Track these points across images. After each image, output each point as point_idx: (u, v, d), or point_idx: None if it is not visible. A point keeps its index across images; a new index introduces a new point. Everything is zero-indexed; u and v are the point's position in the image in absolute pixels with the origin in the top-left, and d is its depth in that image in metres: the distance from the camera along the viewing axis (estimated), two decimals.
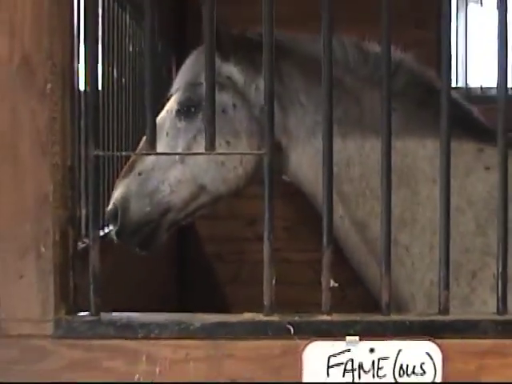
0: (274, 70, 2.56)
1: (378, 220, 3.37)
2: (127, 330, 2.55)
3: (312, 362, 2.52)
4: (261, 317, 2.58)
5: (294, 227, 5.60)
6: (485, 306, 3.15)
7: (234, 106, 3.52)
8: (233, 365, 2.55)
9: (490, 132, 3.40)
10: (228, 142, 3.49)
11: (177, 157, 3.48)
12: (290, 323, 2.54)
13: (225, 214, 6.54)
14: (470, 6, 6.70)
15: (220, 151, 3.26)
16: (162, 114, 3.63)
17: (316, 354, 2.52)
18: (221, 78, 3.49)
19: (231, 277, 6.88)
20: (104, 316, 2.58)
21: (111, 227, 3.66)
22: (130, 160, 3.57)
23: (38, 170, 2.52)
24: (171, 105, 3.61)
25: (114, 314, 2.61)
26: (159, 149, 3.42)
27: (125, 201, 3.49)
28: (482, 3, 6.67)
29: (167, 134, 3.50)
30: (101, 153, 2.54)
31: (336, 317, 2.59)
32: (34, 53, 2.50)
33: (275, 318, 2.57)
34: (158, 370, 2.53)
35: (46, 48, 2.50)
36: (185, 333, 2.55)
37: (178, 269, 6.90)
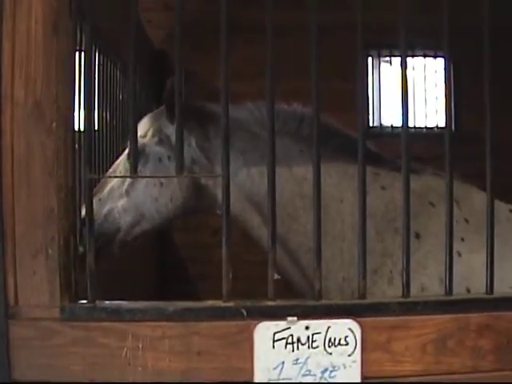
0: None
1: (295, 235, 3.41)
2: (116, 314, 2.55)
3: (261, 338, 2.54)
4: (220, 303, 2.59)
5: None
6: (384, 295, 3.19)
7: (169, 157, 3.45)
8: (199, 340, 2.55)
9: (383, 160, 3.44)
10: (161, 183, 3.45)
11: (124, 190, 3.43)
12: (243, 307, 2.56)
13: (194, 226, 6.55)
14: (382, 64, 6.80)
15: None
16: (121, 157, 3.61)
17: (264, 331, 2.54)
18: (162, 135, 3.50)
19: (200, 275, 6.86)
20: (98, 303, 2.58)
21: None
22: (97, 186, 3.53)
23: (46, 189, 2.52)
24: (126, 151, 3.58)
25: (106, 302, 2.60)
26: (111, 183, 3.44)
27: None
28: (391, 63, 6.77)
29: (120, 172, 3.50)
30: (94, 176, 2.53)
31: (279, 302, 2.60)
32: (43, 98, 2.50)
33: (231, 303, 2.58)
34: (141, 345, 2.53)
35: (53, 94, 2.50)
36: (161, 316, 2.55)
37: (159, 269, 6.88)
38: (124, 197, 3.44)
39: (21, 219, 2.53)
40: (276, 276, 2.61)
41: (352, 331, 2.56)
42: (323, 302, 2.63)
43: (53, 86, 2.50)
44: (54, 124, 2.49)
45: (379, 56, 6.69)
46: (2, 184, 2.52)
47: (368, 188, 3.35)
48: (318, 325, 2.55)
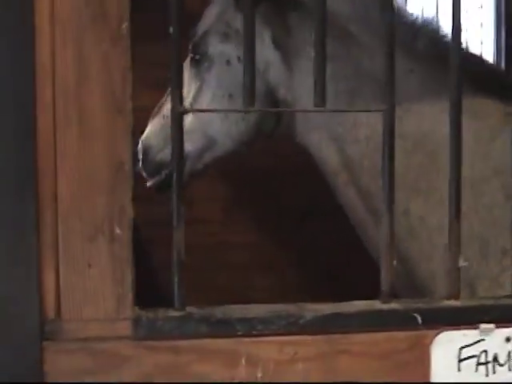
0: None
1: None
2: (223, 327, 1.95)
3: (442, 355, 2.02)
4: (379, 305, 2.02)
5: (233, 209, 5.08)
6: None
7: (239, 58, 3.21)
8: (349, 362, 1.99)
9: None
10: (231, 96, 3.26)
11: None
12: (415, 311, 2.00)
13: (160, 197, 5.95)
14: None
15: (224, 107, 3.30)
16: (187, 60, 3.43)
17: (446, 346, 2.01)
18: (229, 29, 3.29)
19: (166, 262, 6.28)
20: (192, 310, 1.96)
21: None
22: (161, 100, 3.40)
23: (111, 132, 1.87)
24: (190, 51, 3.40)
25: (203, 308, 2.00)
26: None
27: (148, 139, 3.41)
28: None
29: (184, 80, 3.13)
30: (185, 109, 1.94)
31: (466, 302, 2.08)
32: None
33: (396, 305, 2.02)
34: (260, 374, 1.95)
35: None
36: (292, 327, 1.98)
37: None
38: (190, 114, 3.22)
39: (68, 179, 1.86)
40: (462, 262, 2.05)
41: None
42: None
43: None
44: (125, 25, 1.85)
45: None
46: (36, 124, 1.85)
47: (494, 134, 3.01)
48: None
